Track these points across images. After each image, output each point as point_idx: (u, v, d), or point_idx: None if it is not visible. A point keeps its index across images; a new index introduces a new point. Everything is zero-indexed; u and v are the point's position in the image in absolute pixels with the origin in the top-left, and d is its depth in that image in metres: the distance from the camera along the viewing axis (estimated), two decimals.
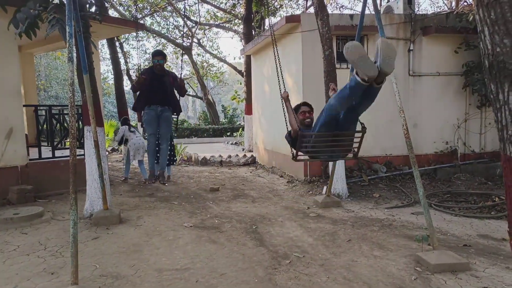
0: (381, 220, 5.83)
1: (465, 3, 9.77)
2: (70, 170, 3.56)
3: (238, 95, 20.95)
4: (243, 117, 17.62)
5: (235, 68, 23.62)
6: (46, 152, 7.75)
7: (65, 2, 4.00)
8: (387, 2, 11.84)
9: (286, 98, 4.32)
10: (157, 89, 6.01)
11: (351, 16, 8.33)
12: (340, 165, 7.02)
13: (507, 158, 1.88)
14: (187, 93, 30.84)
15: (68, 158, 7.46)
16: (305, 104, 4.53)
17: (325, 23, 6.93)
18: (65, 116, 8.48)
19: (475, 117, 8.88)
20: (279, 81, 4.51)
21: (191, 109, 45.86)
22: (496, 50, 1.83)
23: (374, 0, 5.29)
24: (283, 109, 4.33)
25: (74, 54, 3.88)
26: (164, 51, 26.76)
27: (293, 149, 4.19)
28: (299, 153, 4.11)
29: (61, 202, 6.91)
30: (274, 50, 4.68)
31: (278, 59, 4.61)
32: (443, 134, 8.86)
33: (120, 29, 8.79)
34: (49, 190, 7.33)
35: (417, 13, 9.42)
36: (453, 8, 11.09)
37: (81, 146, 7.20)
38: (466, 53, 8.52)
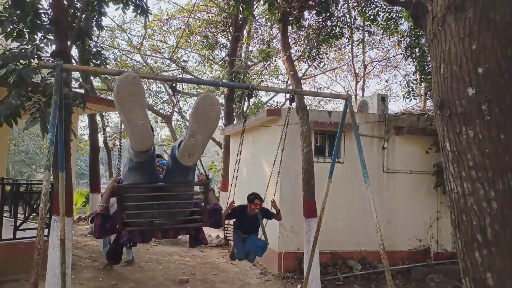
0: None
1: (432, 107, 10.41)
2: (33, 271, 3.18)
3: (214, 165, 20.87)
4: (219, 190, 17.41)
5: (213, 139, 23.81)
6: (7, 232, 7.28)
7: (51, 102, 3.99)
8: (362, 97, 12.57)
9: None
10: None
11: (330, 113, 8.70)
12: (315, 263, 6.85)
13: None
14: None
15: (30, 239, 7.05)
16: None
17: (305, 122, 7.16)
18: (32, 194, 8.13)
19: (447, 216, 9.05)
20: None
21: None
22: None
23: (350, 106, 5.54)
24: None
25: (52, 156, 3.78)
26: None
27: None
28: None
29: None
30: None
31: None
32: (417, 231, 8.93)
33: (103, 107, 8.87)
34: (4, 275, 6.77)
35: (390, 111, 9.94)
36: (421, 109, 11.81)
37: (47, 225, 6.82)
38: (437, 154, 8.89)
